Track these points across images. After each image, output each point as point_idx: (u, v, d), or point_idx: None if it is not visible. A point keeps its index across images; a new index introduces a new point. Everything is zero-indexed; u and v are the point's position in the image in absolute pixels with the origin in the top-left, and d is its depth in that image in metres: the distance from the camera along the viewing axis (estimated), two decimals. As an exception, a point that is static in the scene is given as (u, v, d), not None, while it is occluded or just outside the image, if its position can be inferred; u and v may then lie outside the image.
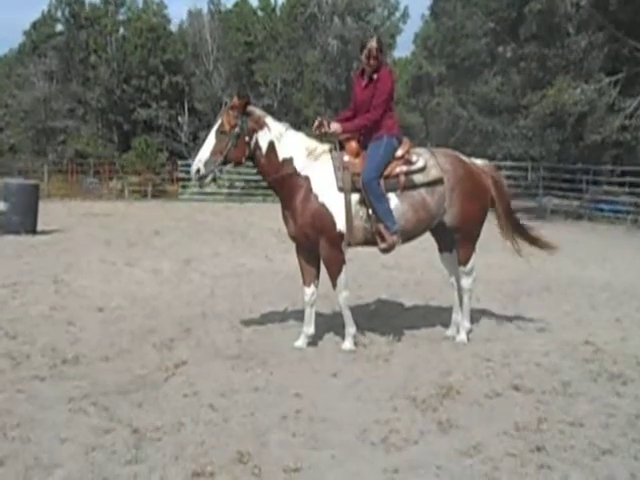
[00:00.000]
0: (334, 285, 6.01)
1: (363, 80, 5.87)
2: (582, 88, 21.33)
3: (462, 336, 6.20)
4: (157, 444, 3.82)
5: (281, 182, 5.71)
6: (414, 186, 5.80)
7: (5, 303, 7.28)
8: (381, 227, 5.67)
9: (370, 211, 5.67)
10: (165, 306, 7.12)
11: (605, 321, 7.14)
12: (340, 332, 6.29)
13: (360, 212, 5.71)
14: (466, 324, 6.28)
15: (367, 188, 5.58)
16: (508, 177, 29.21)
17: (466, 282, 6.37)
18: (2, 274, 8.93)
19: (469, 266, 6.37)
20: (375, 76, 5.74)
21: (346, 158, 5.70)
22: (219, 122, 5.63)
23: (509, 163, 28.85)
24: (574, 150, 26.41)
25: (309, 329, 5.96)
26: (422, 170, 5.82)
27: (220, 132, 5.58)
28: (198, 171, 5.59)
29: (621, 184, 22.96)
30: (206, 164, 5.57)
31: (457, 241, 6.37)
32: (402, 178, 5.74)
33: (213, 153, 5.55)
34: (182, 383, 4.84)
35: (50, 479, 3.38)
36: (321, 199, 5.63)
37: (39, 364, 5.20)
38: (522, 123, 26.26)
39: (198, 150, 5.74)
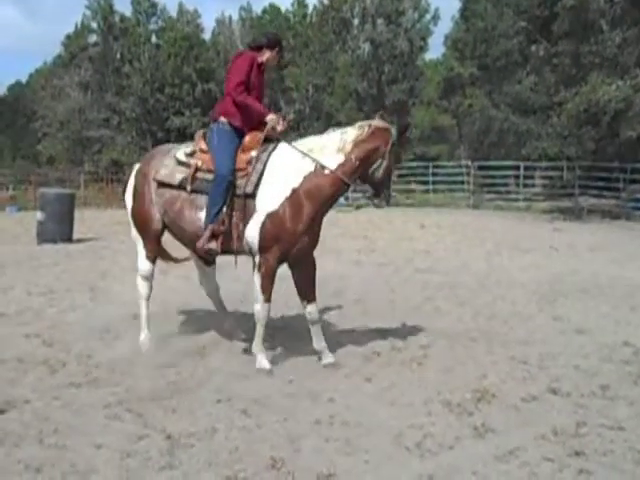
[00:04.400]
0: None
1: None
2: (617, 84, 20.97)
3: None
4: (191, 450, 3.82)
5: None
6: None
7: (42, 311, 7.38)
8: None
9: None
10: (197, 313, 7.15)
11: (645, 322, 6.98)
12: (374, 338, 6.26)
13: None
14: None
15: None
16: (544, 177, 28.98)
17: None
18: (39, 282, 9.07)
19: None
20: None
21: None
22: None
23: (544, 163, 28.49)
24: (610, 148, 25.96)
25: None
26: None
27: None
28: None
29: (660, 182, 22.50)
30: None
31: None
32: None
33: None
34: (215, 389, 4.84)
35: (86, 485, 3.40)
36: None
37: (75, 371, 5.25)
38: (556, 122, 25.84)
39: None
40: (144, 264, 5.86)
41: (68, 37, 52.69)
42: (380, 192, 5.56)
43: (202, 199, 5.38)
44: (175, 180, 5.50)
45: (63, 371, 5.26)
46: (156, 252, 5.94)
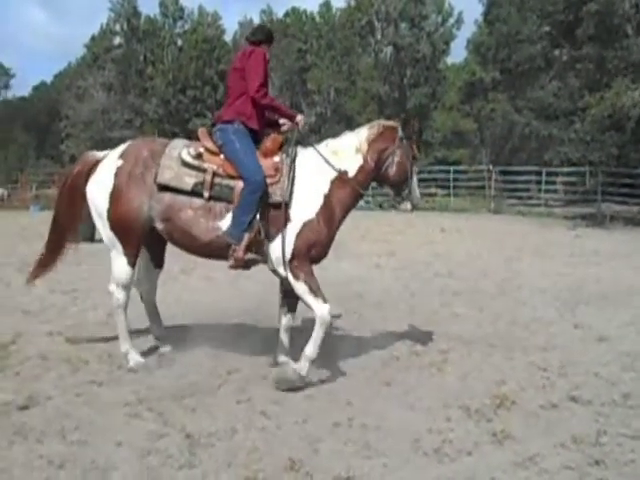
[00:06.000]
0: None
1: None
2: (642, 90, 20.76)
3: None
4: (210, 449, 3.86)
5: None
6: None
7: (65, 309, 7.48)
8: None
9: None
10: (219, 314, 7.19)
11: (667, 331, 6.90)
12: (393, 342, 6.28)
13: None
14: None
15: None
16: (566, 183, 28.75)
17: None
18: (63, 280, 9.17)
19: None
20: None
21: None
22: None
23: (566, 169, 28.28)
24: (634, 154, 25.71)
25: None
26: None
27: None
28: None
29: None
30: None
31: None
32: None
33: None
34: (235, 390, 4.87)
35: (107, 481, 3.45)
36: None
37: (97, 369, 5.33)
38: (579, 127, 25.67)
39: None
40: (124, 271, 5.24)
41: (92, 39, 53.31)
42: (400, 192, 5.50)
43: (220, 207, 5.04)
44: (186, 185, 5.04)
45: (85, 369, 5.33)
46: (136, 257, 5.33)
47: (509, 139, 37.08)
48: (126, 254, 5.22)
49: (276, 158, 5.18)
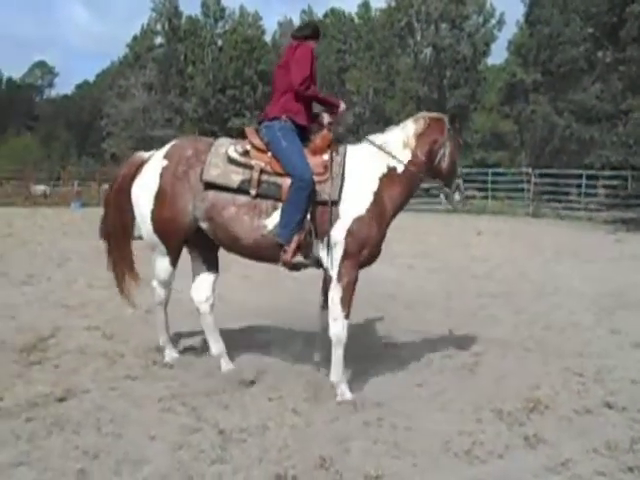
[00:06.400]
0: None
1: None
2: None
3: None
4: (242, 445, 3.90)
5: None
6: None
7: (103, 304, 7.61)
8: None
9: None
10: (254, 311, 7.26)
11: None
12: (426, 344, 6.26)
13: None
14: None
15: None
16: (607, 186, 28.25)
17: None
18: (102, 276, 9.29)
19: None
20: None
21: None
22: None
23: (607, 172, 27.79)
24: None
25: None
26: None
27: None
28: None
29: None
30: None
31: None
32: None
33: None
34: (267, 387, 4.91)
35: (139, 474, 3.51)
36: None
37: (132, 364, 5.42)
38: (622, 130, 25.18)
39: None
40: (166, 270, 5.30)
41: (134, 38, 54.07)
42: (451, 183, 5.34)
43: (267, 204, 4.91)
44: (232, 182, 4.92)
45: (121, 363, 5.43)
46: (178, 257, 5.34)
47: (549, 141, 36.54)
48: (169, 254, 5.23)
49: (325, 156, 5.02)
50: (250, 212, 4.93)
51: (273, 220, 4.90)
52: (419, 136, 5.18)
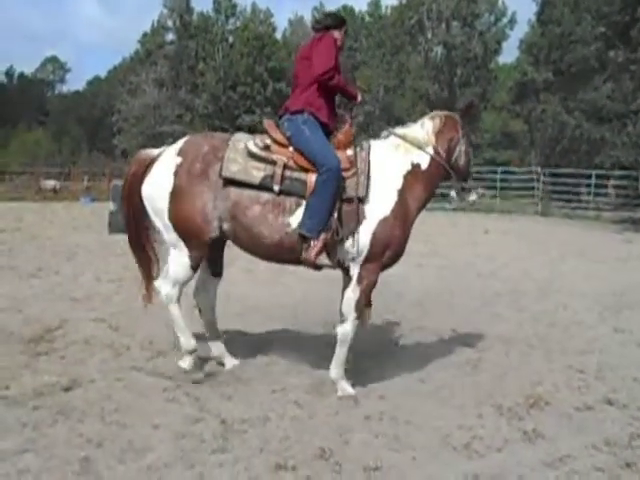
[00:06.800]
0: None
1: None
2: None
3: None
4: (243, 436, 3.95)
5: None
6: None
7: (110, 298, 7.69)
8: None
9: None
10: (257, 306, 7.31)
11: None
12: (431, 340, 6.29)
13: None
14: None
15: None
16: (617, 186, 28.17)
17: None
18: (109, 270, 9.45)
19: None
20: None
21: None
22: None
23: (618, 172, 27.71)
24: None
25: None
26: None
27: None
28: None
29: None
30: None
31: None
32: None
33: None
34: (270, 379, 4.97)
35: (142, 462, 3.57)
36: None
37: (138, 355, 5.49)
38: (632, 130, 25.11)
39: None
40: (185, 272, 4.89)
41: (145, 35, 54.20)
42: (467, 179, 5.29)
43: (290, 201, 4.69)
44: (253, 178, 4.67)
45: (127, 354, 5.50)
46: (201, 260, 5.01)
47: (559, 141, 36.44)
48: (190, 256, 4.83)
49: (349, 151, 4.86)
50: (274, 210, 4.69)
51: (297, 218, 4.68)
52: (437, 133, 5.12)
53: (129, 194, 5.15)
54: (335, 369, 4.87)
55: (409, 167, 4.97)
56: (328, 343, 5.85)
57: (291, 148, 4.80)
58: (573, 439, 4.08)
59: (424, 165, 5.01)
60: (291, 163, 4.73)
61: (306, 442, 3.88)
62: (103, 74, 75.55)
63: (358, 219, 4.70)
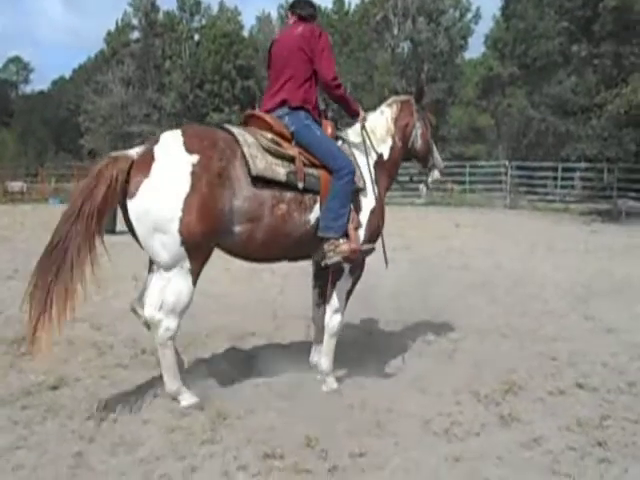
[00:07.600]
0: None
1: None
2: (659, 87, 20.76)
3: None
4: (231, 427, 4.06)
5: None
6: None
7: (89, 298, 7.69)
8: None
9: None
10: (236, 303, 7.41)
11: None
12: (406, 331, 6.45)
13: None
14: None
15: None
16: (582, 178, 28.74)
17: None
18: (87, 271, 9.42)
19: None
20: None
21: None
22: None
23: (583, 164, 28.27)
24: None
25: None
26: None
27: None
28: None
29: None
30: None
31: None
32: None
33: None
34: (254, 374, 5.07)
35: (134, 455, 3.66)
36: None
37: (122, 353, 5.56)
38: (596, 123, 25.64)
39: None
40: (187, 293, 4.20)
41: (110, 33, 53.68)
42: (427, 162, 5.46)
43: (308, 198, 4.52)
44: (279, 175, 4.36)
45: (111, 353, 5.58)
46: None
47: (526, 135, 37.04)
48: (193, 272, 4.19)
49: (338, 144, 4.90)
50: (298, 208, 4.48)
51: (315, 214, 4.55)
52: (395, 121, 5.26)
53: (98, 208, 4.09)
54: (325, 362, 4.93)
55: (376, 158, 5.10)
56: (305, 336, 6.02)
57: (294, 143, 4.64)
58: (547, 421, 4.26)
59: (386, 154, 5.16)
60: (303, 159, 4.56)
61: (292, 432, 3.99)
62: (68, 74, 74.69)
63: (358, 210, 4.79)
